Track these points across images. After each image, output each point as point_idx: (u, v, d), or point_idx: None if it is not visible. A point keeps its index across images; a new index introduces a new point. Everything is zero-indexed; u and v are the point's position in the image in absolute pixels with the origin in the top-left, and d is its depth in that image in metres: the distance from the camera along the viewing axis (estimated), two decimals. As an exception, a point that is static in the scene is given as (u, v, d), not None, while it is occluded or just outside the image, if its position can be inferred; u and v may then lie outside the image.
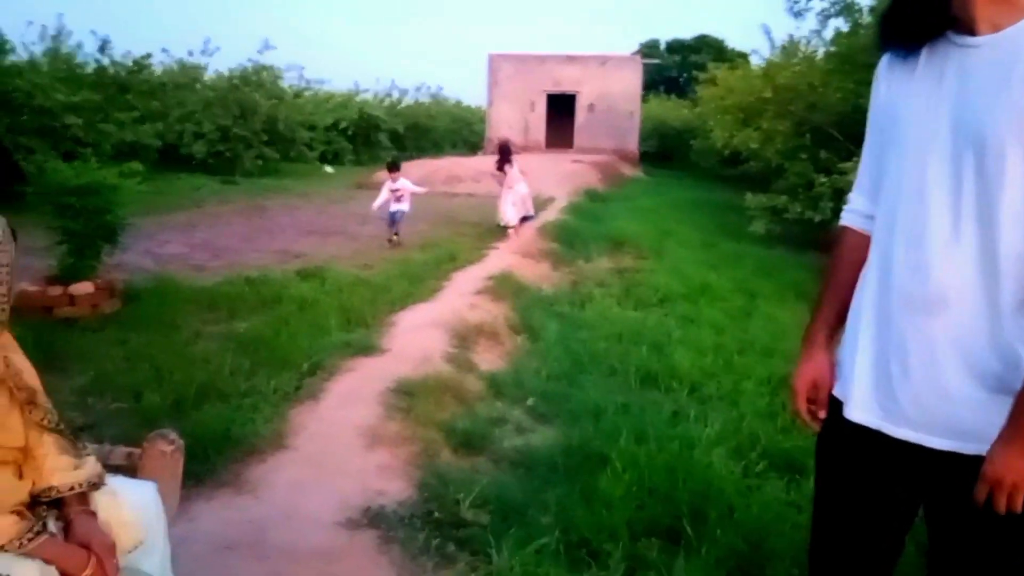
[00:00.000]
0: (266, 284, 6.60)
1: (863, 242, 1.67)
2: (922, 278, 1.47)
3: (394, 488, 3.16)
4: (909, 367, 1.49)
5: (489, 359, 5.16)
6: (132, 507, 1.73)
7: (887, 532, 1.70)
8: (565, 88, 30.01)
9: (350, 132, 27.95)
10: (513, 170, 10.42)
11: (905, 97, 1.55)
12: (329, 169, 24.08)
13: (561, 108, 29.97)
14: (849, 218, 1.73)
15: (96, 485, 1.67)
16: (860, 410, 1.58)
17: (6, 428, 1.62)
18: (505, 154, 10.66)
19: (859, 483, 1.65)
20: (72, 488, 1.63)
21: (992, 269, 1.44)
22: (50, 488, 1.62)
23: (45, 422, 1.68)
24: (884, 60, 1.64)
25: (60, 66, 12.86)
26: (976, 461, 1.42)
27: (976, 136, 1.41)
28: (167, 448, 1.97)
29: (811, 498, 2.94)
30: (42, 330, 4.79)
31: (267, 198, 14.71)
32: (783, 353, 5.05)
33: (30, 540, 1.50)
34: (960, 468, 1.45)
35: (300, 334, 4.97)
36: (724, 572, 2.64)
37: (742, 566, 2.67)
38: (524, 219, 10.39)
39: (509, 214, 10.18)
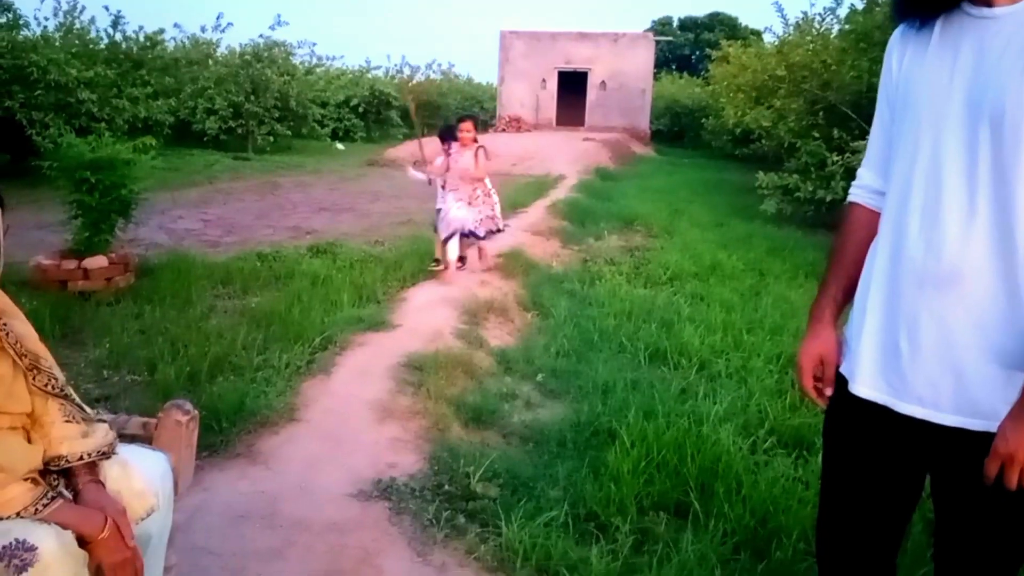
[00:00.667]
0: (279, 260, 6.65)
1: (872, 218, 1.67)
2: (936, 254, 1.46)
3: (405, 461, 3.20)
4: (919, 343, 1.49)
5: (499, 335, 5.19)
6: (143, 476, 1.75)
7: (894, 507, 1.71)
8: (577, 65, 29.81)
9: (361, 109, 27.90)
10: (468, 158, 6.46)
11: (919, 70, 1.53)
12: (340, 146, 24.08)
13: (572, 86, 29.79)
14: (858, 194, 1.72)
15: (106, 454, 1.69)
16: (866, 386, 1.58)
17: (12, 395, 1.63)
18: (448, 133, 6.74)
19: (866, 459, 1.66)
20: (81, 457, 1.64)
21: (1008, 245, 1.43)
22: (59, 457, 1.63)
23: (50, 387, 1.69)
24: (897, 32, 1.62)
25: (73, 41, 12.85)
26: (984, 437, 1.43)
27: (993, 110, 1.40)
28: (182, 418, 2.00)
29: (819, 474, 2.98)
30: (57, 304, 4.85)
31: (279, 175, 14.74)
32: (792, 331, 5.04)
33: (45, 506, 1.51)
34: (968, 444, 1.46)
35: (312, 309, 5.01)
36: (731, 546, 2.67)
37: (749, 541, 2.70)
38: (485, 234, 6.69)
39: (457, 224, 6.37)
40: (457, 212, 6.35)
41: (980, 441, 1.43)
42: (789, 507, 2.81)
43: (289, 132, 21.00)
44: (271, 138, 20.03)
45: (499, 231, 6.86)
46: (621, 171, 18.51)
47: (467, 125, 6.55)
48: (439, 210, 6.54)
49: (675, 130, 32.48)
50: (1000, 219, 1.42)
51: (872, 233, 1.66)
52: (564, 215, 10.39)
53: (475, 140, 6.52)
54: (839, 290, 1.72)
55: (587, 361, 4.64)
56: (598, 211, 10.82)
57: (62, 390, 1.73)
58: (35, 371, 1.69)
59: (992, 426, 1.42)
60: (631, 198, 12.52)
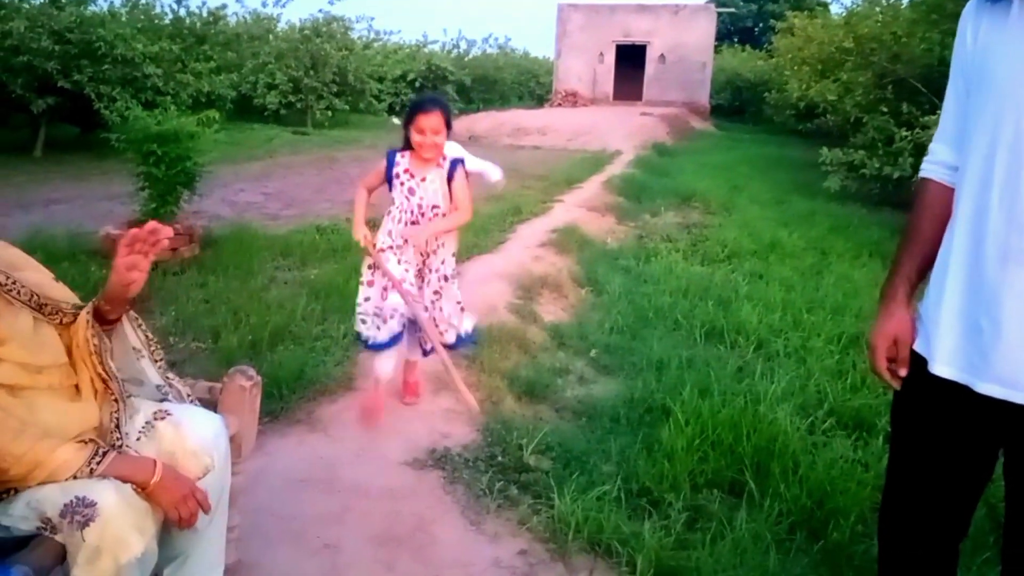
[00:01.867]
0: (336, 233, 6.74)
1: (946, 194, 1.63)
2: (1019, 229, 1.43)
3: (459, 432, 3.24)
4: (1001, 321, 1.45)
5: (553, 311, 5.19)
6: (197, 437, 1.79)
7: (963, 489, 1.68)
8: (635, 39, 29.36)
9: (418, 84, 27.99)
10: (433, 184, 3.23)
11: (998, 43, 1.48)
12: (397, 121, 24.18)
13: (631, 59, 29.37)
14: (932, 170, 1.68)
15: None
16: (945, 365, 1.55)
17: (43, 346, 1.66)
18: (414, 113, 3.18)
19: (939, 439, 1.63)
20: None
21: None
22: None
23: (79, 312, 1.75)
24: (972, 3, 1.58)
25: (139, 16, 13.12)
26: None
27: None
28: (246, 383, 2.06)
29: (879, 456, 2.92)
30: (126, 272, 5.01)
31: (337, 149, 14.91)
32: (855, 311, 4.93)
33: (98, 463, 1.56)
34: None
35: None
36: (786, 526, 2.64)
37: (805, 521, 2.67)
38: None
39: (397, 317, 3.18)
40: (398, 296, 3.15)
41: None
42: (847, 489, 2.77)
43: (347, 107, 21.20)
44: (329, 112, 20.25)
45: (449, 347, 3.36)
46: (679, 146, 18.23)
47: (431, 119, 3.09)
48: (362, 284, 3.31)
49: (736, 104, 31.81)
50: None
51: (947, 210, 1.62)
52: (620, 191, 10.30)
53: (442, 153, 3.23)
54: (913, 269, 1.68)
55: (641, 338, 4.61)
56: (655, 187, 10.68)
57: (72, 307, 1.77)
58: (59, 313, 1.72)
59: None
60: (689, 174, 12.34)
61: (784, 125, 23.78)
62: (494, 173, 4.83)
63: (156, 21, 13.52)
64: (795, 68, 14.71)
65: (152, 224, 1.71)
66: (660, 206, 9.33)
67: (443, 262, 3.31)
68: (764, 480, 2.84)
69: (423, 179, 3.18)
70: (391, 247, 3.21)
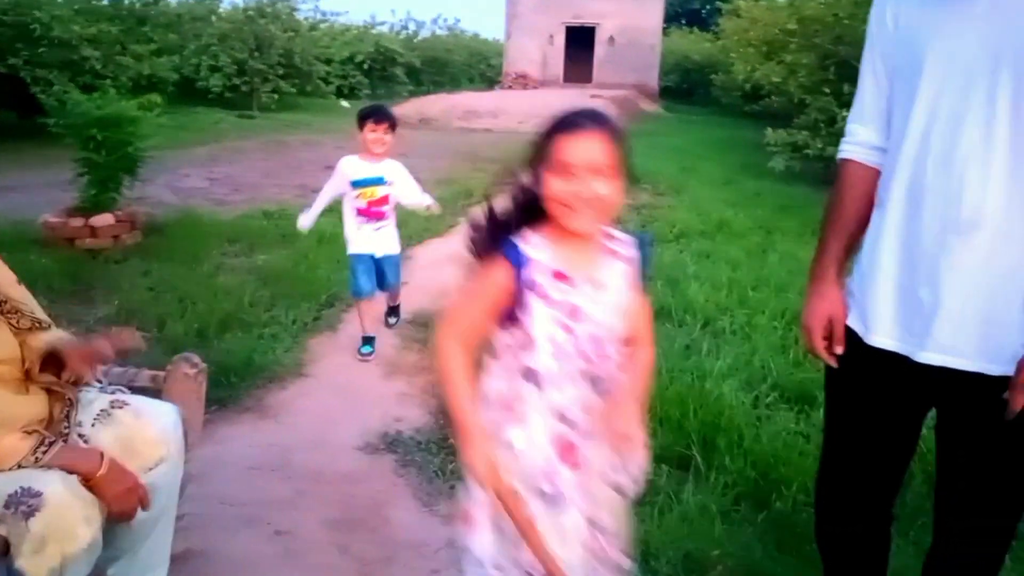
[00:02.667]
0: (285, 218, 6.64)
1: (869, 174, 1.67)
2: (957, 201, 1.46)
3: (411, 415, 3.25)
4: (941, 292, 1.50)
5: (505, 293, 5.21)
6: (156, 426, 1.80)
7: (896, 453, 1.75)
8: (585, 20, 29.37)
9: (366, 66, 27.63)
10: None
11: (929, 23, 1.51)
12: (346, 104, 23.88)
13: (581, 41, 29.39)
14: (853, 151, 1.71)
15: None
16: (885, 336, 1.60)
17: None
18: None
19: (873, 407, 1.69)
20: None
21: None
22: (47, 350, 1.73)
23: (35, 327, 1.72)
24: None
25: (76, -2, 12.73)
26: (1001, 381, 1.46)
27: (1014, 58, 1.40)
28: (190, 371, 2.04)
29: (820, 428, 3.00)
30: (66, 261, 4.89)
31: (286, 133, 14.67)
32: (799, 289, 5.04)
33: (44, 453, 1.55)
34: (984, 388, 1.48)
35: (319, 267, 5.04)
36: (732, 498, 2.71)
37: (750, 492, 2.74)
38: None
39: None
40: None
41: (997, 385, 1.46)
42: (790, 459, 2.85)
43: (294, 90, 20.82)
44: (276, 96, 19.88)
45: None
46: (630, 129, 18.31)
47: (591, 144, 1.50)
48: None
49: (685, 87, 32.06)
50: (1022, 166, 1.43)
51: (870, 189, 1.66)
52: (571, 173, 10.32)
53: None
54: (840, 248, 1.71)
55: (593, 319, 4.66)
56: (605, 169, 10.73)
57: (49, 327, 1.76)
58: (17, 314, 1.70)
59: (1011, 369, 1.45)
60: (639, 156, 12.24)
61: (732, 107, 24.05)
62: (425, 200, 4.00)
63: (94, 2, 13.10)
64: (741, 50, 14.88)
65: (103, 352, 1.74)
66: (611, 188, 9.39)
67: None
68: (711, 454, 2.91)
69: (597, 283, 1.55)
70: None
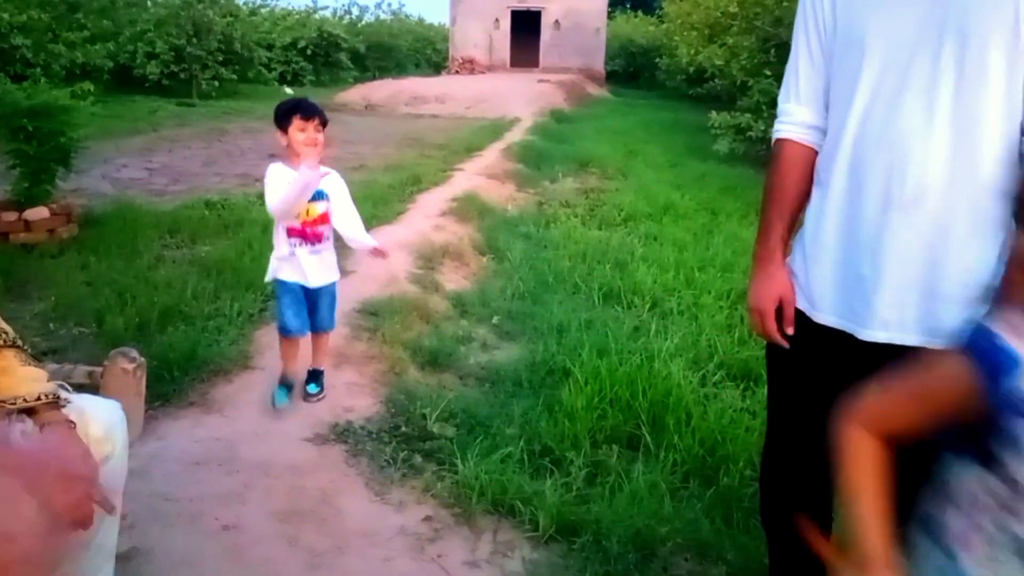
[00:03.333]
0: (228, 208, 6.52)
1: (807, 154, 1.66)
2: (901, 176, 1.47)
3: (361, 405, 3.22)
4: (883, 267, 1.51)
5: (455, 279, 5.19)
6: (100, 423, 1.75)
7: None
8: (530, 5, 29.30)
9: (309, 52, 27.17)
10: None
11: (866, 5, 1.52)
12: (289, 90, 23.45)
13: (526, 25, 29.32)
14: (790, 130, 1.69)
15: (57, 399, 1.67)
16: (829, 313, 1.60)
17: None
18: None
19: (818, 383, 1.67)
20: (39, 398, 1.62)
21: (971, 165, 1.45)
22: (16, 398, 1.61)
23: (0, 341, 1.67)
24: None
25: (2, -17, 12.24)
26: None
27: (957, 33, 1.41)
28: (128, 366, 2.00)
29: (764, 404, 3.06)
30: (-1, 256, 4.72)
31: (227, 121, 14.35)
32: (743, 268, 5.13)
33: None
34: None
35: (263, 257, 4.88)
36: (681, 475, 2.76)
37: (698, 469, 2.79)
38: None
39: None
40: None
41: None
42: (736, 436, 2.91)
43: (235, 76, 20.36)
44: (216, 83, 19.42)
45: None
46: (576, 113, 18.39)
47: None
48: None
49: (630, 70, 32.26)
50: (964, 140, 1.44)
51: (809, 169, 1.66)
52: (519, 158, 10.32)
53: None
54: (784, 228, 1.70)
55: (542, 303, 4.68)
56: (553, 153, 10.77)
57: (14, 341, 1.70)
58: None
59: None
60: (586, 140, 12.48)
61: (677, 90, 24.31)
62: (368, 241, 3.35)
63: (22, -12, 12.62)
64: (684, 33, 15.02)
65: None
66: (559, 172, 9.43)
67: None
68: (659, 433, 2.95)
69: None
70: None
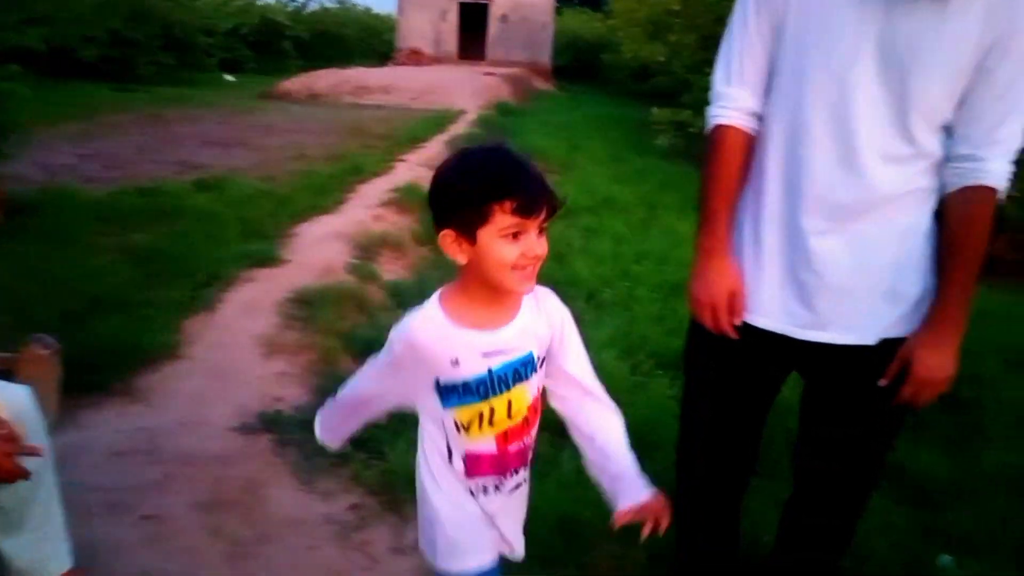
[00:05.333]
0: (162, 195, 6.36)
1: (749, 141, 1.62)
2: (846, 188, 1.49)
3: (291, 394, 3.20)
4: (825, 274, 1.53)
5: (393, 270, 5.17)
6: (9, 407, 1.71)
7: (754, 416, 1.83)
8: (478, -3, 29.22)
9: (252, 39, 26.64)
10: None
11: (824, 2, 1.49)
12: (230, 78, 22.98)
13: (474, 18, 29.21)
14: (732, 116, 1.62)
15: None
16: (768, 318, 1.61)
17: None
18: None
19: (740, 372, 1.73)
20: None
21: (914, 178, 1.50)
22: None
23: None
24: None
25: (-76, -40, 11.70)
26: (873, 349, 1.54)
27: (900, 65, 1.42)
28: (43, 352, 1.95)
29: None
30: (-82, 243, 4.54)
31: (165, 107, 13.99)
32: (677, 261, 5.22)
33: None
34: (857, 357, 1.56)
35: (197, 246, 4.85)
36: (609, 462, 2.80)
37: (626, 456, 2.83)
38: None
39: None
40: None
41: (871, 352, 1.55)
42: (665, 423, 2.96)
43: (174, 62, 19.88)
44: (155, 68, 18.93)
45: None
46: (522, 106, 18.40)
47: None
48: None
49: (577, 66, 32.39)
50: (906, 153, 1.48)
51: (749, 158, 1.62)
52: (463, 150, 10.30)
53: None
54: (730, 219, 1.65)
55: (480, 293, 4.69)
56: (497, 146, 10.77)
57: None
58: None
59: (877, 338, 1.55)
60: (531, 133, 12.51)
61: (622, 86, 24.50)
62: None
63: (-53, -34, 12.09)
64: (629, 30, 15.16)
65: None
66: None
67: None
68: (590, 421, 2.99)
69: None
70: None
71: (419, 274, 5.15)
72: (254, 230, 5.47)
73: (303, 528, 2.36)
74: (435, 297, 1.43)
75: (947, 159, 1.49)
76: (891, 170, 1.48)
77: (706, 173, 1.67)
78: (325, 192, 6.84)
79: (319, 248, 5.15)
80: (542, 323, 1.44)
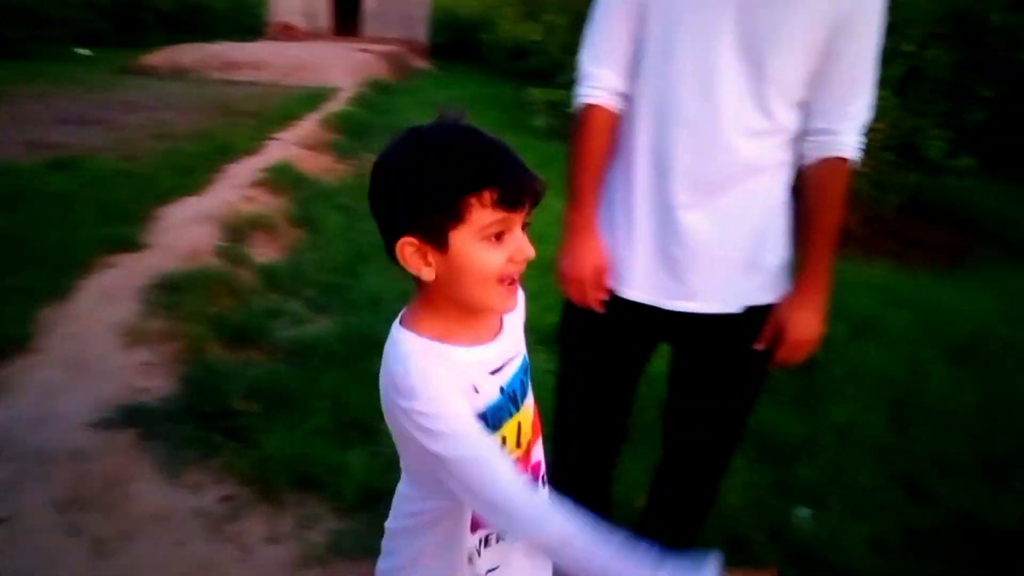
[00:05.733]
0: (9, 177, 5.90)
1: (615, 121, 1.66)
2: (710, 160, 1.54)
3: (156, 385, 3.05)
4: (693, 247, 1.58)
5: (266, 253, 5.01)
6: None
7: (627, 384, 1.88)
8: (352, -28, 28.50)
9: (110, 10, 24.99)
10: None
11: None
12: (85, 51, 21.51)
13: (348, -7, 28.50)
14: (600, 96, 1.65)
15: None
16: (639, 290, 1.66)
17: None
18: None
19: (611, 345, 1.78)
20: None
21: (773, 149, 1.56)
22: None
23: None
24: None
25: None
26: (739, 317, 1.62)
27: (758, 43, 1.48)
28: None
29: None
30: None
31: (12, 83, 12.96)
32: (554, 238, 5.29)
33: None
34: (724, 325, 1.64)
35: (51, 230, 4.54)
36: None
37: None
38: None
39: None
40: None
41: (739, 319, 1.62)
42: (543, 397, 3.00)
43: (23, 35, 18.42)
44: (1, 42, 17.50)
45: None
46: (398, 84, 18.13)
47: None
48: None
49: (454, 44, 32.15)
50: (766, 128, 1.54)
51: (615, 136, 1.66)
52: (338, 128, 10.07)
53: None
54: (597, 197, 1.70)
55: (358, 275, 4.61)
56: (374, 125, 10.59)
57: None
58: None
59: (748, 304, 1.63)
60: (408, 111, 12.35)
61: (500, 66, 24.50)
62: None
63: None
64: (504, 9, 15.18)
65: None
66: (379, 144, 9.26)
67: None
68: (469, 397, 3.00)
69: None
70: None
71: (293, 256, 5.01)
72: (114, 213, 5.14)
73: (170, 523, 2.27)
74: (398, 329, 1.12)
75: (804, 133, 1.58)
76: (752, 144, 1.55)
77: (573, 152, 1.71)
78: (191, 172, 6.52)
79: (185, 231, 4.91)
80: (517, 313, 1.19)
